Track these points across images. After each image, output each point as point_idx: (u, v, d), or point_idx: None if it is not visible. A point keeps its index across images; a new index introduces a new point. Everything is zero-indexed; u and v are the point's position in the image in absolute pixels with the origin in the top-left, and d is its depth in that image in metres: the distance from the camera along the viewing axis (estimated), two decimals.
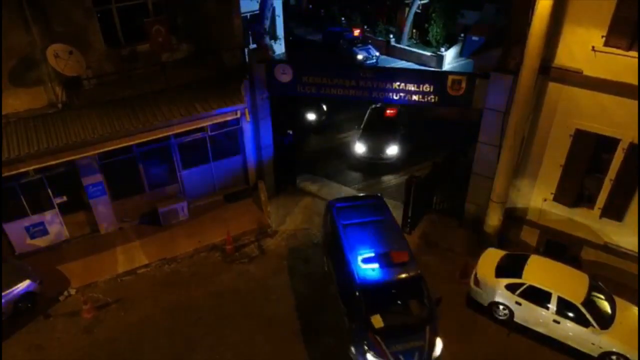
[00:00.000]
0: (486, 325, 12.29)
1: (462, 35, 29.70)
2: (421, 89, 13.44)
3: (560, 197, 12.99)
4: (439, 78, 13.45)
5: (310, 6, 37.61)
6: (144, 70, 13.93)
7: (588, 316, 10.87)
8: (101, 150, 12.96)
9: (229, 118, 14.47)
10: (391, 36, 31.52)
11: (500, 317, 12.19)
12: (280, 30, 29.83)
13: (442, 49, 28.81)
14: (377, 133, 19.08)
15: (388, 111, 20.11)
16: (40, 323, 12.44)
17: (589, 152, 12.13)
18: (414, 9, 30.27)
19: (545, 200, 13.26)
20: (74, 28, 12.59)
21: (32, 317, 12.51)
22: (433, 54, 28.98)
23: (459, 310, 12.68)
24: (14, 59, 12.11)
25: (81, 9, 12.62)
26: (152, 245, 14.69)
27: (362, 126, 19.88)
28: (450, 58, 29.11)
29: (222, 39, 14.48)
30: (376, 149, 18.72)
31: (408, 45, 30.93)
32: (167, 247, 14.63)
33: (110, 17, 13.35)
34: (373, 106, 20.56)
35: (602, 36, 10.74)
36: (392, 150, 18.76)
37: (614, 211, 12.36)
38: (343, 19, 35.93)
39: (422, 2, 31.00)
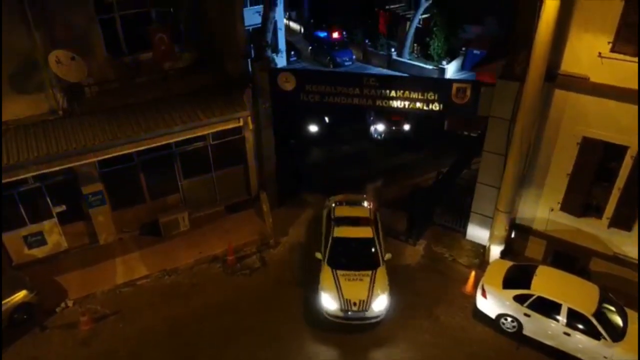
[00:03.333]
0: (494, 338, 12.00)
1: (464, 49, 29.79)
2: (425, 97, 13.30)
3: (568, 206, 12.76)
4: (443, 86, 13.36)
5: (312, 21, 37.77)
6: (146, 78, 13.86)
7: (599, 328, 10.59)
8: (102, 157, 12.80)
9: (231, 126, 14.32)
10: (393, 50, 31.63)
11: (509, 330, 11.88)
12: (282, 44, 29.97)
13: (444, 63, 28.92)
14: (351, 270, 12.28)
15: (354, 232, 12.96)
16: (36, 335, 12.15)
17: (597, 160, 11.95)
18: (415, 23, 30.43)
19: (552, 209, 13.02)
20: (76, 35, 12.54)
21: (28, 328, 12.22)
22: (435, 68, 29.06)
23: (466, 322, 12.40)
24: (15, 65, 12.01)
25: (84, 16, 12.59)
26: (152, 256, 14.43)
27: (325, 258, 12.68)
28: (451, 72, 29.17)
29: (225, 47, 14.44)
30: (355, 301, 11.72)
31: (410, 59, 31.03)
32: (168, 258, 14.37)
33: (113, 25, 13.32)
34: (332, 208, 14.03)
35: (609, 42, 10.66)
36: (380, 303, 11.82)
37: (623, 221, 12.13)
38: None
39: (423, 16, 31.17)
